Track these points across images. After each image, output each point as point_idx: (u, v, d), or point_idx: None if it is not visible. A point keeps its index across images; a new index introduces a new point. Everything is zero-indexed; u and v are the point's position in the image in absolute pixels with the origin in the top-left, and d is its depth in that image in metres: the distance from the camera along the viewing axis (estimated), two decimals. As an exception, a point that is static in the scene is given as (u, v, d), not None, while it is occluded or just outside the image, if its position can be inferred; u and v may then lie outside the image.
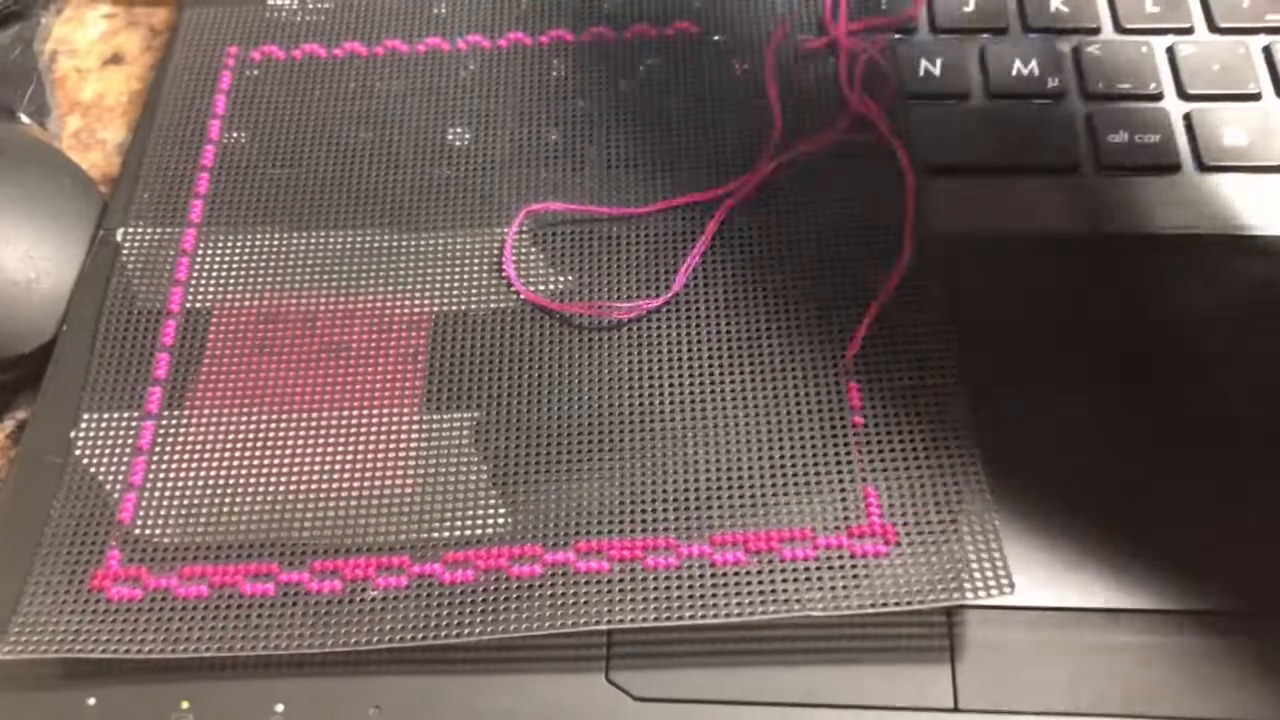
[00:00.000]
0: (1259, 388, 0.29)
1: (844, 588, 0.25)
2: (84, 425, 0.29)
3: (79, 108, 0.40)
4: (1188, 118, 0.34)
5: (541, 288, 0.31)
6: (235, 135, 0.34)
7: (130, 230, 0.33)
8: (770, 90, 0.33)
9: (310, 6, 0.37)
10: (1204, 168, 0.33)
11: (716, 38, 0.35)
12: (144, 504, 0.28)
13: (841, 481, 0.27)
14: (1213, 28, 0.36)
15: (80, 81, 0.41)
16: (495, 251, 0.31)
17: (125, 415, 0.29)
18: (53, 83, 0.41)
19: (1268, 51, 0.35)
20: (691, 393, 0.29)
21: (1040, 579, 0.27)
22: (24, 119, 0.39)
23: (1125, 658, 0.26)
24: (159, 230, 0.33)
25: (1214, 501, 0.28)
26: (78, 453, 0.29)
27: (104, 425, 0.29)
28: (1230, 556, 0.27)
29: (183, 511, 0.28)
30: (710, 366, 0.29)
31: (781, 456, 0.28)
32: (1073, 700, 0.25)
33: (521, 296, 0.31)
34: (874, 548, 0.26)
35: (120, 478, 0.28)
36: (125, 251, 0.32)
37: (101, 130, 0.40)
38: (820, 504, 0.27)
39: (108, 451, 0.29)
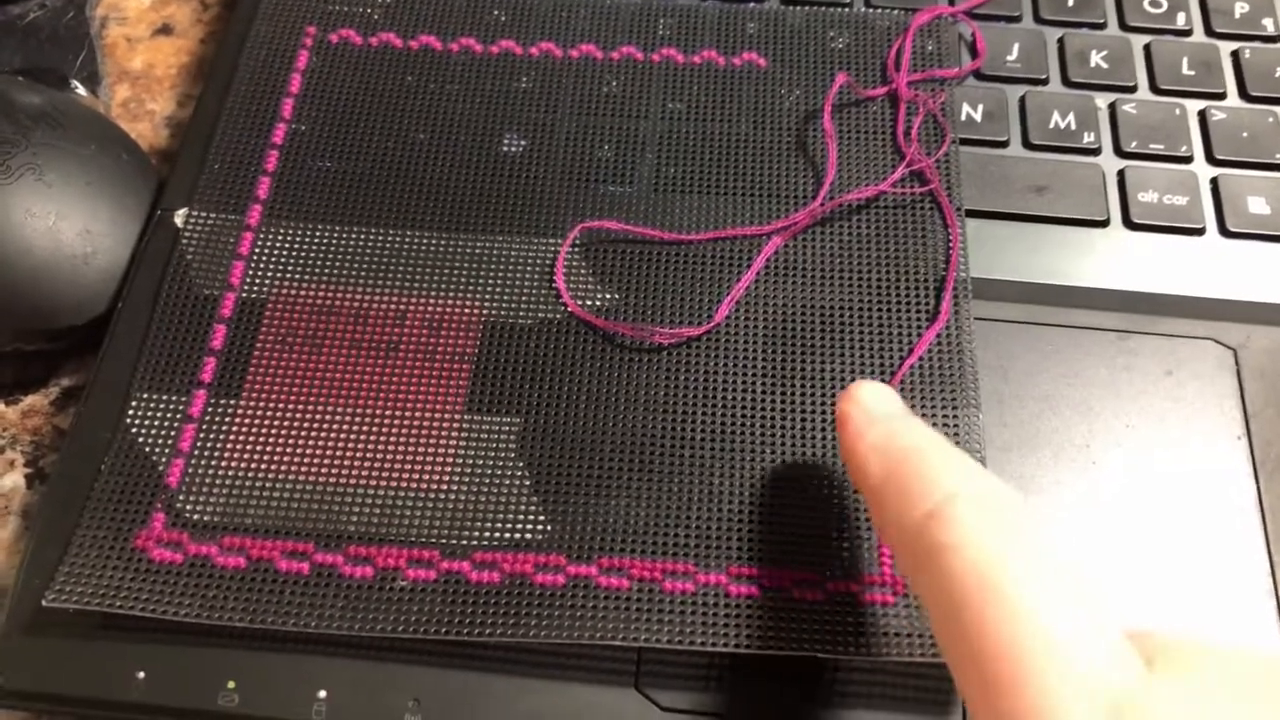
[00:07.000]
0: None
1: (850, 633, 0.27)
2: (138, 391, 0.30)
3: (128, 77, 0.40)
4: (1214, 182, 0.35)
5: (588, 302, 0.32)
6: (306, 116, 0.35)
7: (192, 213, 0.33)
8: (828, 134, 0.34)
9: (390, -5, 0.38)
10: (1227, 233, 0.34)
11: (781, 74, 0.36)
12: (190, 470, 0.29)
13: (858, 529, 0.28)
14: (1243, 95, 0.37)
15: (130, 50, 0.41)
16: (548, 262, 0.32)
17: (179, 381, 0.31)
18: (103, 50, 0.41)
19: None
20: (723, 424, 0.30)
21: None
22: (78, 86, 0.39)
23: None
24: (221, 215, 0.33)
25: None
26: (130, 414, 0.30)
27: (158, 390, 0.30)
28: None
29: (227, 482, 0.29)
30: (743, 400, 0.30)
31: (804, 499, 0.29)
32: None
33: (569, 309, 0.32)
34: (882, 597, 0.27)
35: (169, 443, 0.30)
36: (186, 234, 0.33)
37: (150, 101, 0.40)
38: (836, 549, 0.28)
39: (159, 416, 0.30)
